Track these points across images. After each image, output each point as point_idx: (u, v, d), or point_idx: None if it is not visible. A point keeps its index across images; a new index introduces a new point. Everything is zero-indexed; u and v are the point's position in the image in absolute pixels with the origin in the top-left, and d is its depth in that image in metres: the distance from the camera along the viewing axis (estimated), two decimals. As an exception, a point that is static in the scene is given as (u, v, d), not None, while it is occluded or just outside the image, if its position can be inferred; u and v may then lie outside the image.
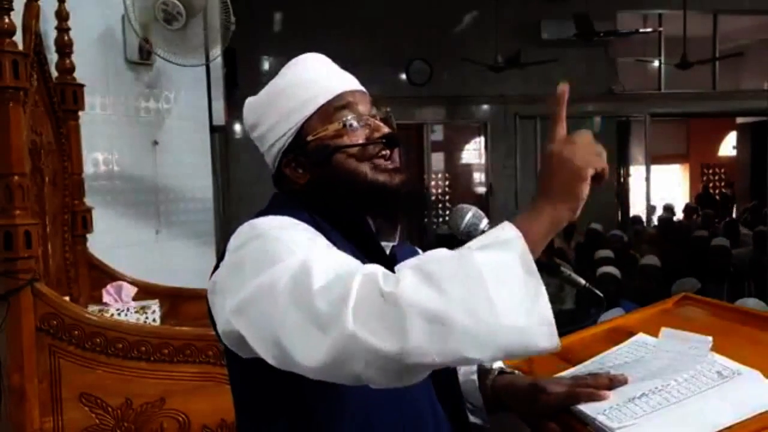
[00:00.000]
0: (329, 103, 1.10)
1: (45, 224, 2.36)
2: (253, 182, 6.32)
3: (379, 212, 1.10)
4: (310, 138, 1.09)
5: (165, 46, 3.23)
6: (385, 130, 1.10)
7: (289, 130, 1.11)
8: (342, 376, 0.82)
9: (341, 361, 0.80)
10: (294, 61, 1.16)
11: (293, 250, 0.89)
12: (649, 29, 9.22)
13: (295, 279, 0.85)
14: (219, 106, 4.06)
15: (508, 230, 0.83)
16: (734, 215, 10.26)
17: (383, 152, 1.09)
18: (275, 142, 1.12)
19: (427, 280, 0.79)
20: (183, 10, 3.18)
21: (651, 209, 9.21)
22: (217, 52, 3.40)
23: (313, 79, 1.12)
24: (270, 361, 0.86)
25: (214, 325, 1.01)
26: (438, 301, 0.78)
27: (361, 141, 1.09)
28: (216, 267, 1.02)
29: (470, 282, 0.78)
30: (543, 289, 0.80)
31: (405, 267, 0.82)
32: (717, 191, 12.95)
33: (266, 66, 8.50)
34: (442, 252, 0.84)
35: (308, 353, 0.81)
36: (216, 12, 3.27)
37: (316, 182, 1.10)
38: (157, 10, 3.17)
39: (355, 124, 1.09)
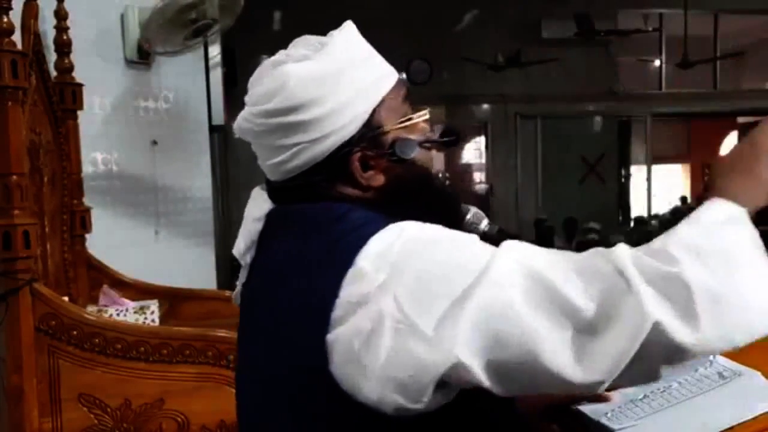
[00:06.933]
0: (396, 87, 0.90)
1: (43, 224, 2.36)
2: (253, 182, 6.31)
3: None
4: (388, 128, 0.86)
5: (164, 43, 3.22)
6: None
7: (365, 111, 0.85)
8: (637, 374, 0.70)
9: (639, 357, 0.67)
10: (348, 27, 0.92)
11: (483, 250, 0.74)
12: (650, 29, 9.21)
13: (532, 278, 0.70)
14: (218, 106, 4.04)
15: (731, 206, 0.73)
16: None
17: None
18: (341, 128, 0.84)
19: (697, 257, 0.68)
20: (211, 22, 3.16)
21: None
22: (216, 40, 3.38)
23: (375, 54, 0.91)
24: (512, 388, 0.73)
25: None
26: (714, 280, 0.68)
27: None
28: (323, 310, 0.76)
29: (729, 259, 0.69)
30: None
31: (668, 245, 0.70)
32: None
33: (266, 66, 8.50)
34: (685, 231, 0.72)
35: (598, 358, 0.68)
36: None
37: (394, 187, 0.87)
38: (187, 34, 3.14)
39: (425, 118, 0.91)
